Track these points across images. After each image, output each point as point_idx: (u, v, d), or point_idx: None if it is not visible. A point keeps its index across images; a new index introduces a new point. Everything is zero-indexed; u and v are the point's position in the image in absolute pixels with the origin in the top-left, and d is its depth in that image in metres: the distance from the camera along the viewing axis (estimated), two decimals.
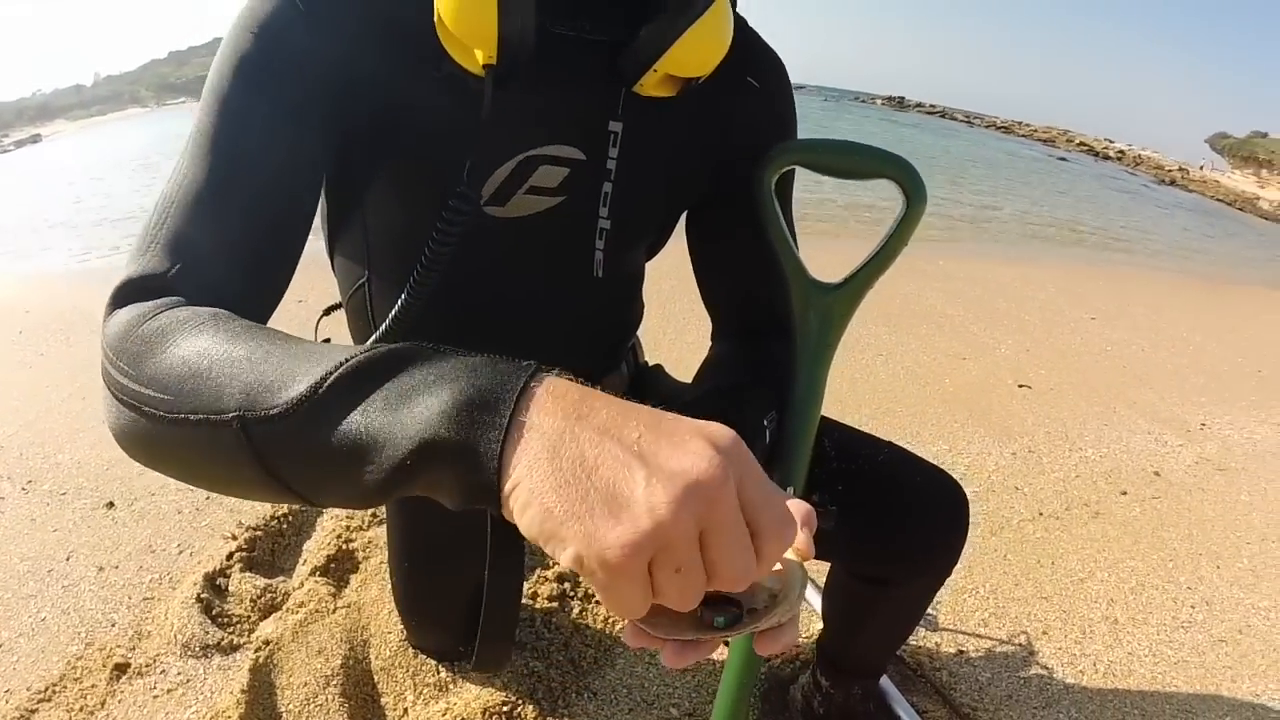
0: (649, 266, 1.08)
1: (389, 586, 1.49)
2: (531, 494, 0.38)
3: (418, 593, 1.26)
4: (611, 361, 1.07)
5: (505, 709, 1.31)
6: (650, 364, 1.20)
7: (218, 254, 0.63)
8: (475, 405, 0.41)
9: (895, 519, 0.99)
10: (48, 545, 1.87)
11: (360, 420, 0.44)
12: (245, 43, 0.66)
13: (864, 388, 3.18)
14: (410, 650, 1.42)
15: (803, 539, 0.50)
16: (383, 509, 1.51)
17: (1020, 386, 3.43)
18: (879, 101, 74.61)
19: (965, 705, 1.51)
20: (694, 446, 0.38)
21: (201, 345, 0.52)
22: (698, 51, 0.74)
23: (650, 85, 0.76)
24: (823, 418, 0.91)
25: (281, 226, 0.69)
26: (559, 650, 1.49)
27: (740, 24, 0.84)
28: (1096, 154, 46.92)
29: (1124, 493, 2.56)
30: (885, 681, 1.39)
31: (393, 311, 0.75)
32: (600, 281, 0.90)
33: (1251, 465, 3.07)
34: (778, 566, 0.48)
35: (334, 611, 1.50)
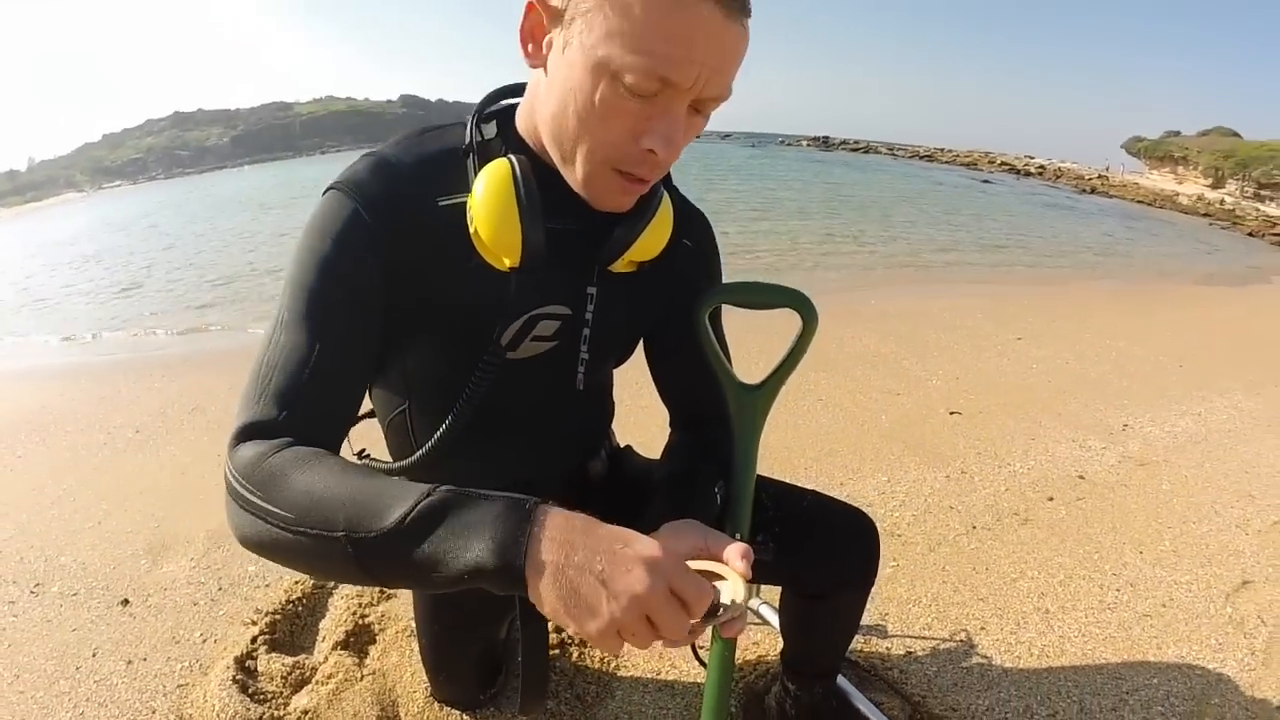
0: (626, 372, 1.37)
1: (408, 652, 1.75)
2: (543, 601, 0.69)
3: (444, 650, 1.50)
4: (594, 446, 1.37)
5: None
6: (623, 445, 1.49)
7: (312, 404, 0.89)
8: (506, 545, 0.69)
9: (820, 549, 1.30)
10: (70, 644, 2.01)
11: (431, 548, 0.71)
12: (323, 245, 0.92)
13: (806, 434, 3.45)
14: (435, 704, 1.64)
15: (743, 568, 0.81)
16: None
17: (951, 413, 3.76)
18: (804, 143, 76.60)
19: (915, 695, 1.77)
20: (636, 571, 0.68)
21: (315, 478, 0.78)
22: (651, 245, 1.05)
23: (619, 266, 1.05)
24: (760, 476, 1.18)
25: (353, 383, 0.96)
26: (565, 689, 1.73)
27: (674, 192, 1.15)
28: (1018, 171, 48.43)
29: (1050, 499, 2.86)
30: (845, 682, 1.65)
31: (438, 433, 1.03)
32: (580, 393, 1.17)
33: (1173, 457, 3.40)
34: (735, 585, 0.79)
35: (361, 679, 1.72)
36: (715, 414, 1.18)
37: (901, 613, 2.10)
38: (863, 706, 1.61)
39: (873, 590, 1.42)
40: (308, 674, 1.78)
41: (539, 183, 0.92)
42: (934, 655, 1.93)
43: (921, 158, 60.67)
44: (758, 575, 1.04)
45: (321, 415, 0.91)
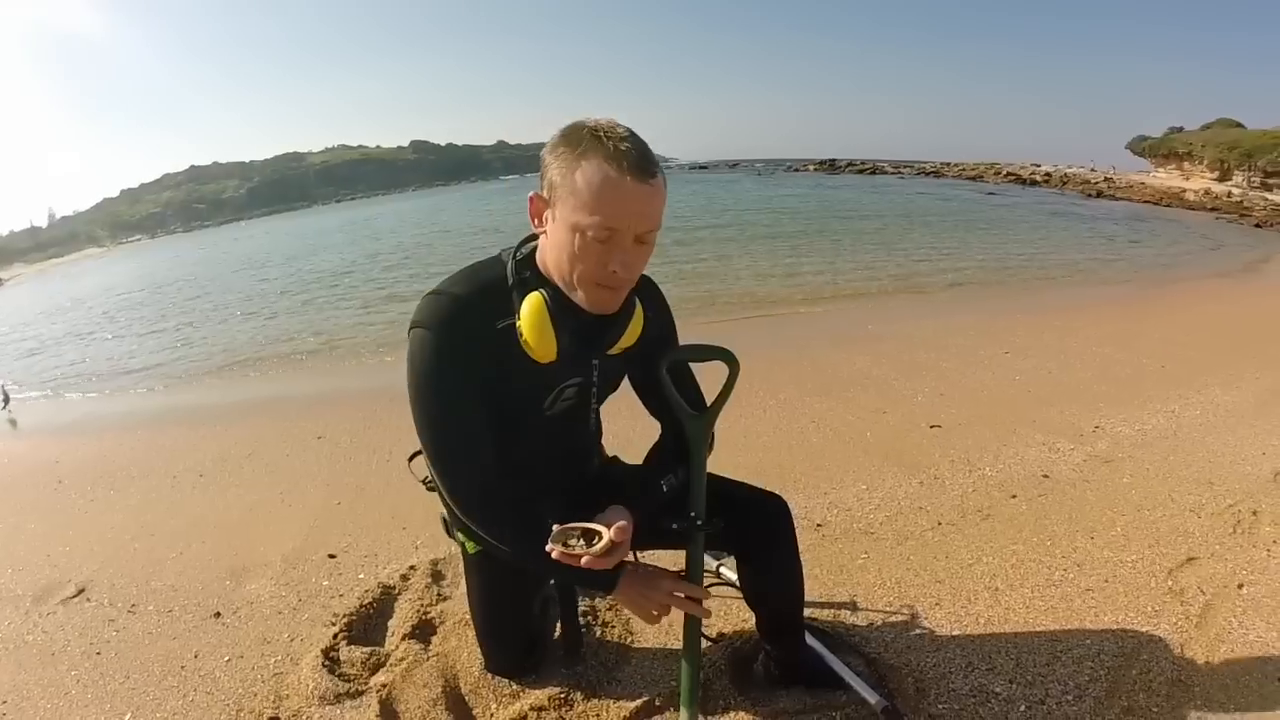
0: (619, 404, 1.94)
1: (465, 638, 2.22)
2: (623, 602, 1.64)
3: (493, 620, 2.00)
4: (592, 457, 2.00)
5: (562, 696, 2.01)
6: (610, 455, 2.11)
7: (481, 454, 1.55)
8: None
9: (748, 522, 1.83)
10: (173, 650, 2.42)
11: (581, 578, 1.65)
12: (426, 370, 1.50)
13: (798, 452, 3.88)
14: (488, 675, 2.08)
15: (612, 531, 1.48)
16: (462, 575, 2.30)
17: (932, 427, 4.17)
18: (811, 167, 77.14)
19: (873, 654, 2.19)
20: (658, 595, 1.60)
21: (511, 530, 1.58)
22: (629, 338, 1.61)
23: (614, 351, 1.62)
24: (711, 474, 1.75)
25: (483, 440, 1.56)
26: (591, 656, 2.18)
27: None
28: (1024, 181, 48.57)
29: (1013, 496, 3.27)
30: (816, 643, 2.10)
31: (510, 465, 1.63)
32: (591, 429, 1.86)
33: (1138, 452, 3.79)
34: (604, 536, 1.47)
35: (427, 660, 2.18)
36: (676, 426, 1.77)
37: (868, 594, 2.51)
38: (831, 662, 2.05)
39: (843, 577, 2.17)
40: (382, 659, 2.23)
41: (559, 304, 1.47)
42: (892, 626, 2.34)
43: (928, 174, 61.18)
44: (718, 545, 1.96)
45: (484, 465, 1.56)
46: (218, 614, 2.62)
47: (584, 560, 1.44)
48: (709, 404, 1.75)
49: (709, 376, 1.78)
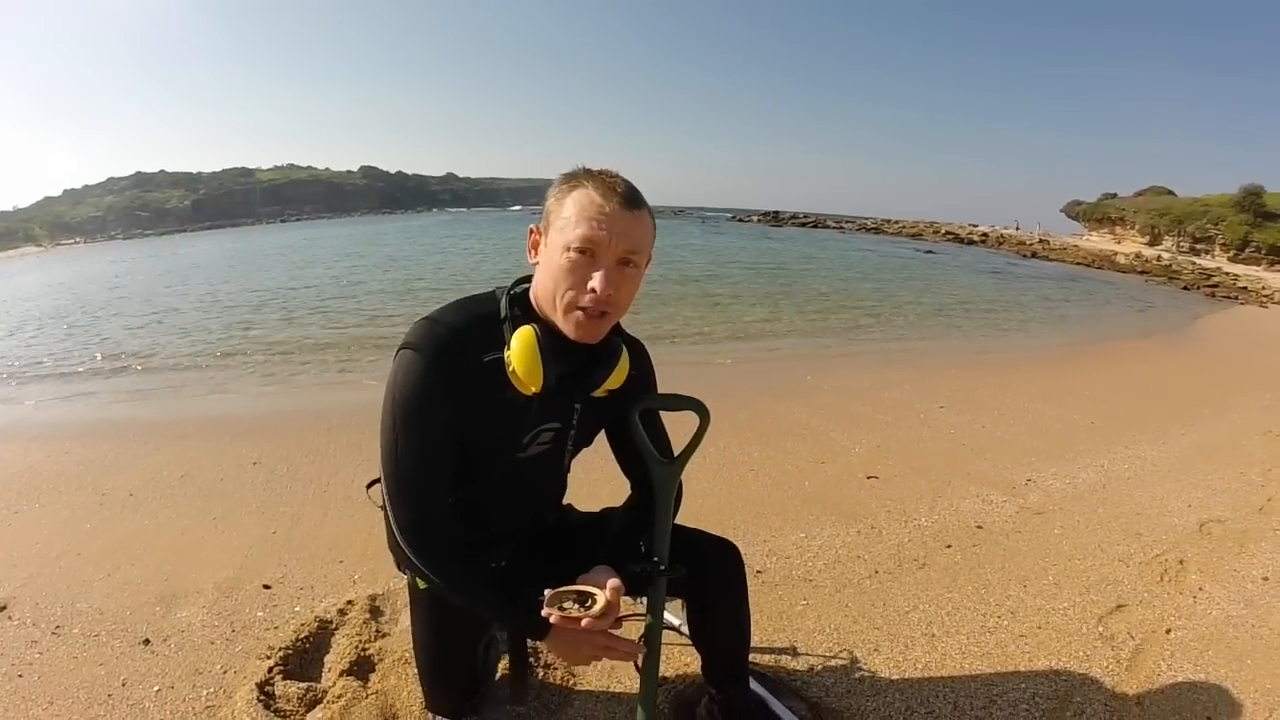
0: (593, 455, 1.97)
1: (405, 676, 2.21)
2: (554, 647, 1.61)
3: (440, 662, 1.96)
4: (555, 506, 2.02)
5: None
6: (565, 504, 2.12)
7: (438, 494, 1.57)
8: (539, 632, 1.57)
9: (703, 568, 1.86)
10: (99, 677, 2.34)
11: (514, 623, 1.68)
12: (407, 395, 1.51)
13: (738, 499, 3.94)
14: (429, 715, 2.04)
15: (607, 592, 1.53)
16: (405, 612, 2.40)
17: (869, 478, 4.28)
18: (755, 219, 78.34)
19: (814, 698, 2.24)
20: (585, 650, 1.58)
21: (462, 573, 1.58)
22: (616, 380, 1.66)
23: (598, 393, 1.67)
24: (676, 524, 1.81)
25: (446, 477, 1.58)
26: (534, 699, 2.20)
27: (626, 337, 1.77)
28: (962, 240, 50.06)
29: (949, 546, 3.37)
30: (759, 688, 2.14)
31: (474, 504, 1.72)
32: (561, 476, 1.91)
33: (1068, 505, 3.96)
34: (600, 599, 1.51)
35: (366, 697, 2.15)
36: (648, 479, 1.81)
37: (808, 640, 2.56)
38: (775, 707, 2.09)
39: (783, 623, 2.18)
40: (319, 695, 2.21)
41: (549, 338, 1.53)
42: (832, 671, 2.39)
43: (869, 230, 62.82)
44: (674, 590, 1.85)
45: (438, 501, 1.58)
46: (147, 641, 2.55)
47: (584, 623, 1.49)
48: (677, 453, 1.80)
49: (678, 428, 1.84)
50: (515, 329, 1.54)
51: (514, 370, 1.52)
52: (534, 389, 1.53)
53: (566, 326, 1.53)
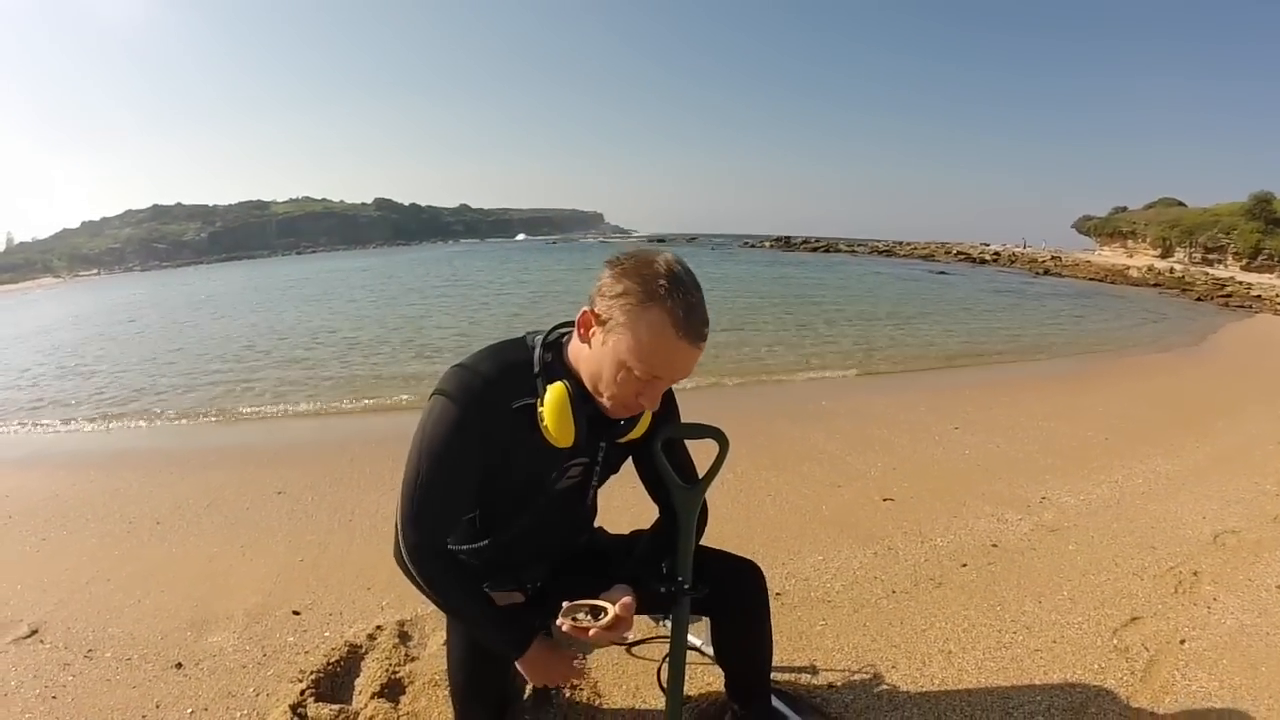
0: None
1: (436, 699, 2.33)
2: (526, 664, 1.74)
3: (470, 682, 2.04)
4: (586, 531, 2.11)
5: None
6: (596, 526, 2.20)
7: (447, 527, 1.72)
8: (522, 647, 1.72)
9: (724, 586, 1.95)
10: (132, 699, 2.44)
11: (495, 638, 1.74)
12: (436, 439, 1.60)
13: (757, 524, 4.03)
14: None
15: (617, 607, 1.61)
16: (434, 637, 2.68)
17: (885, 500, 4.36)
18: (767, 244, 78.43)
19: (835, 714, 2.33)
20: (560, 669, 1.76)
21: (455, 591, 1.70)
22: (638, 433, 1.77)
23: (622, 441, 1.78)
24: (699, 545, 1.92)
25: (460, 513, 1.74)
26: (560, 717, 2.31)
27: None
28: (974, 260, 50.01)
29: (964, 565, 3.45)
30: (780, 704, 2.22)
31: (511, 533, 1.83)
32: (588, 505, 1.99)
33: (1083, 521, 4.03)
34: (610, 611, 1.61)
35: (398, 718, 2.29)
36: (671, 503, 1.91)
37: (827, 658, 2.65)
38: None
39: (803, 642, 2.35)
40: (351, 717, 2.31)
41: (579, 394, 1.60)
42: (851, 687, 2.48)
43: (881, 252, 62.83)
44: (698, 609, 1.94)
45: (450, 530, 1.77)
46: (179, 664, 2.65)
47: (592, 633, 1.59)
48: (700, 477, 1.89)
49: (701, 451, 1.92)
50: (548, 380, 1.62)
51: (546, 426, 1.59)
52: (566, 445, 1.62)
53: (602, 404, 1.61)
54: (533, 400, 1.62)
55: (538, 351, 1.67)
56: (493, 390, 1.60)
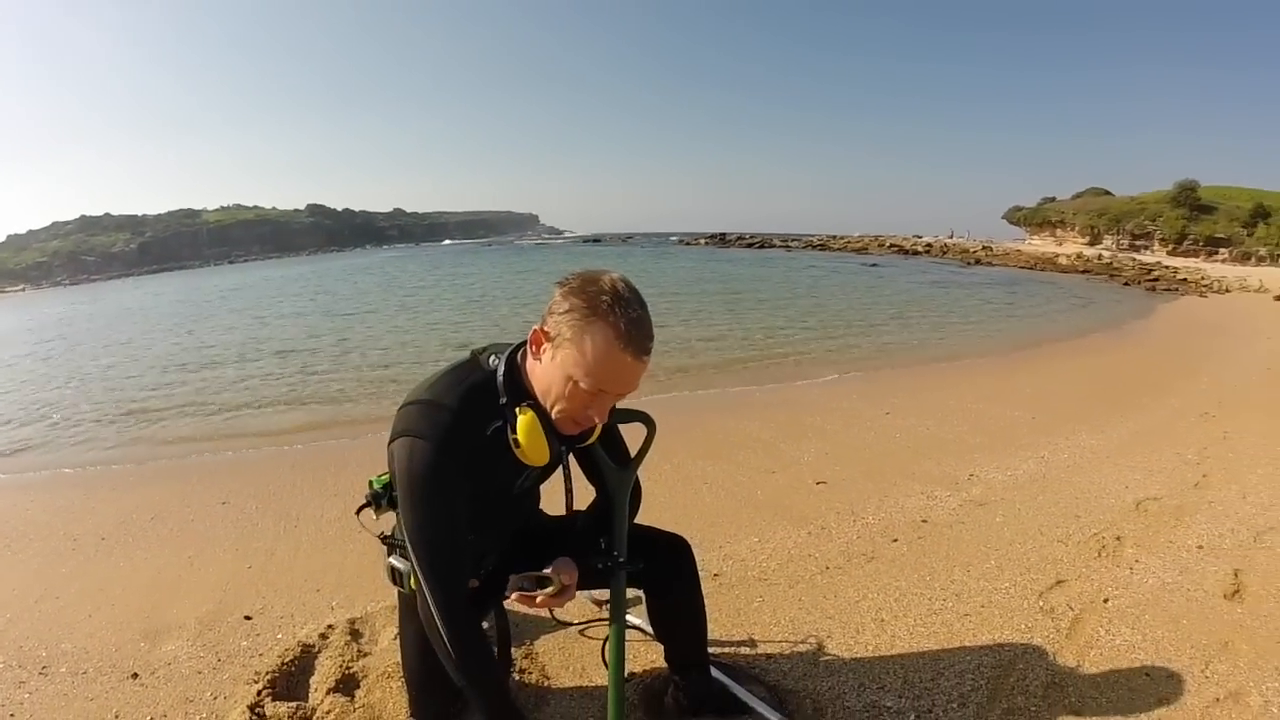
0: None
1: (390, 690, 2.36)
2: None
3: (425, 669, 2.08)
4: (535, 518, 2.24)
5: None
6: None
7: (463, 564, 1.74)
8: None
9: (655, 558, 2.06)
10: (90, 711, 2.45)
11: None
12: (423, 482, 1.63)
13: (693, 511, 4.12)
14: None
15: (563, 577, 1.84)
16: (385, 632, 2.69)
17: (818, 484, 4.48)
18: (703, 241, 78.93)
19: (772, 682, 2.41)
20: None
21: (472, 659, 1.71)
22: (597, 435, 1.90)
23: (583, 445, 1.90)
24: (633, 524, 2.04)
25: (466, 544, 1.74)
26: (512, 698, 2.26)
27: None
28: (906, 251, 50.74)
29: (895, 540, 3.57)
30: (721, 675, 2.31)
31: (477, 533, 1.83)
32: (538, 494, 2.14)
33: (1010, 494, 4.18)
34: (556, 580, 1.83)
35: (354, 711, 2.33)
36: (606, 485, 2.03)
37: (765, 632, 2.74)
38: (736, 690, 2.27)
39: (741, 619, 2.53)
40: (309, 713, 2.34)
41: (544, 416, 1.68)
42: (789, 657, 2.57)
43: (815, 247, 63.37)
44: (632, 583, 2.06)
45: (465, 566, 1.78)
46: (135, 675, 2.66)
47: (538, 599, 1.76)
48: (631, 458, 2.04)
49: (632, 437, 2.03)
50: (514, 404, 1.69)
51: (523, 450, 1.67)
52: (541, 464, 1.74)
53: (553, 420, 1.68)
54: (501, 423, 1.70)
55: (500, 379, 1.73)
56: (462, 422, 1.65)
